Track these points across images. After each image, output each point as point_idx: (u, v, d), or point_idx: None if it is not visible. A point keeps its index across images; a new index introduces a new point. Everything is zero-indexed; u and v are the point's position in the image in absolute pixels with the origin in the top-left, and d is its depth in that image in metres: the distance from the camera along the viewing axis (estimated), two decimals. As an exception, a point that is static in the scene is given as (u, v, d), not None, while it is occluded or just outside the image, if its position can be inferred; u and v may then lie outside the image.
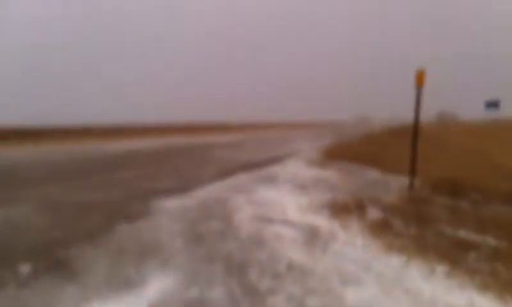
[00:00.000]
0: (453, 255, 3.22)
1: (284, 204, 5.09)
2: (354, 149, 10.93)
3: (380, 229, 3.93)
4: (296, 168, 8.69)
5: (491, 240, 3.62)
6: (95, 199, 5.38)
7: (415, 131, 5.93)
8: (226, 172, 7.99)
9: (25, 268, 2.94)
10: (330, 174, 7.68)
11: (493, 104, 45.31)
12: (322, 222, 4.22)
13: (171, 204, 5.02)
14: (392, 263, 3.09)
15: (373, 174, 7.52)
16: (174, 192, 5.81)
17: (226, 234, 3.78)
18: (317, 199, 5.31)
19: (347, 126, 63.27)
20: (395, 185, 6.37)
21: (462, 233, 3.85)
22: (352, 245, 3.52)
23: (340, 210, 4.68)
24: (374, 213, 4.51)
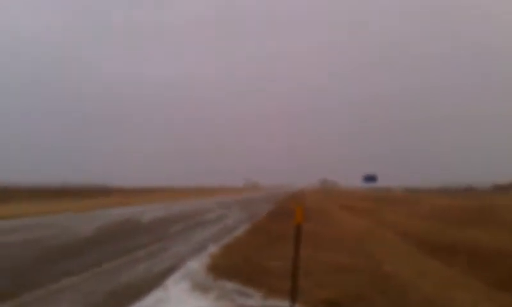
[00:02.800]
0: None
1: None
2: (240, 260, 10.03)
3: None
4: (178, 302, 7.05)
5: None
6: None
7: (294, 263, 5.65)
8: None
9: None
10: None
11: (370, 178, 50.68)
12: None
13: None
14: None
15: (255, 300, 6.63)
16: None
17: None
18: None
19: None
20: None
21: None
22: None
23: None
24: None
